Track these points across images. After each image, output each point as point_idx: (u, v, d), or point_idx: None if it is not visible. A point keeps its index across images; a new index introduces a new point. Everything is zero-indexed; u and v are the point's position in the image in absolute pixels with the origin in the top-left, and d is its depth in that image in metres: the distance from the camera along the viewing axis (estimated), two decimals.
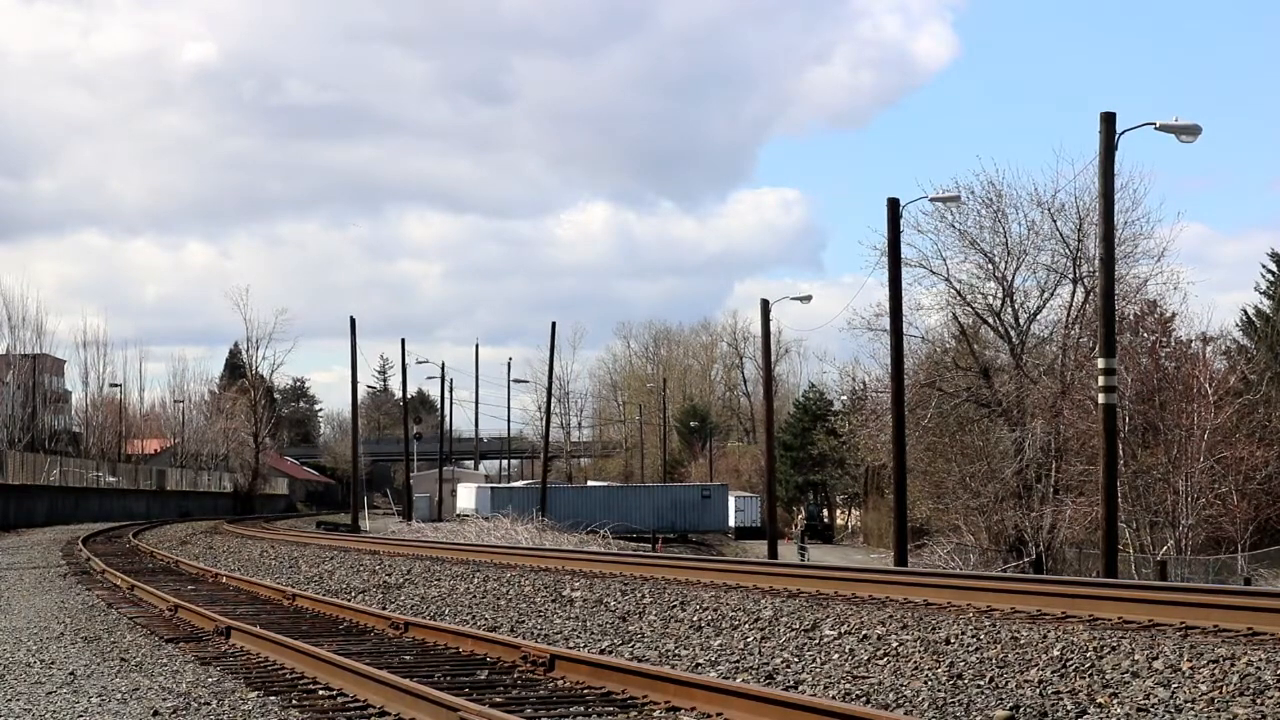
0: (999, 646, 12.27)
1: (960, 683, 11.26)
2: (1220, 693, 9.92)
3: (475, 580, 22.70)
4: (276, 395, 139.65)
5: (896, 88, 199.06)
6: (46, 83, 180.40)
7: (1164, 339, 48.82)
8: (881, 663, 12.41)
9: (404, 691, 10.78)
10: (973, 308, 48.56)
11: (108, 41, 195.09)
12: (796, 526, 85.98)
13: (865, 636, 13.53)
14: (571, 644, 14.88)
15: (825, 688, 11.47)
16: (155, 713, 11.18)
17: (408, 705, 10.57)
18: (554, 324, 74.38)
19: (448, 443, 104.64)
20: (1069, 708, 10.04)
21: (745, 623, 15.23)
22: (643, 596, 18.14)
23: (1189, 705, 9.75)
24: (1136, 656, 11.14)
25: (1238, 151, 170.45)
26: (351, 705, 11.15)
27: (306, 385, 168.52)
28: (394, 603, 21.02)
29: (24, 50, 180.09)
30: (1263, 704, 9.57)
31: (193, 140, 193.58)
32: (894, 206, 36.32)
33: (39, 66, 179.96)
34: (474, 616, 18.50)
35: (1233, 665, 10.48)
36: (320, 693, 11.81)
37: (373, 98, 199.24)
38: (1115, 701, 10.08)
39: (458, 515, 77.89)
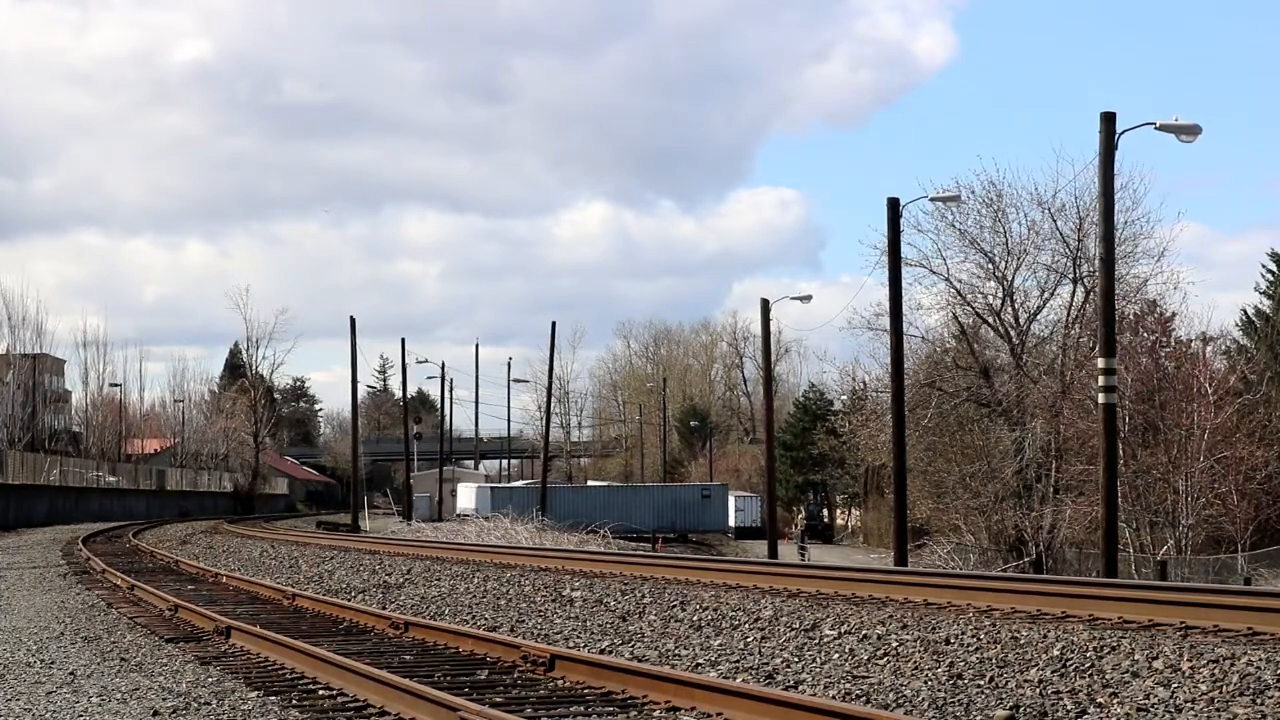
0: (999, 646, 12.27)
1: (960, 683, 11.26)
2: (1220, 693, 9.92)
3: (475, 580, 22.70)
4: (276, 395, 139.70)
5: (896, 87, 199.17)
6: (43, 81, 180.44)
7: (1164, 339, 48.84)
8: (881, 663, 12.42)
9: (404, 691, 10.78)
10: (973, 307, 48.58)
11: (104, 40, 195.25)
12: (796, 526, 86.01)
13: (865, 636, 13.54)
14: (571, 644, 14.88)
15: (825, 688, 11.47)
16: (155, 712, 11.18)
17: (408, 705, 10.57)
18: (554, 324, 74.57)
19: (448, 443, 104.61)
20: (1069, 708, 10.05)
21: (745, 623, 15.23)
22: (643, 596, 18.14)
23: (1189, 705, 9.75)
24: (1136, 656, 11.14)
25: (1237, 151, 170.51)
26: (351, 705, 11.15)
27: (306, 385, 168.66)
28: (394, 602, 21.02)
29: (19, 49, 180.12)
30: (1263, 704, 9.57)
31: (191, 140, 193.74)
32: (894, 206, 36.34)
33: (35, 65, 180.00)
34: (474, 616, 18.50)
35: (1233, 665, 10.48)
36: (320, 693, 11.80)
37: (371, 97, 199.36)
38: (1115, 701, 10.08)
39: (458, 515, 77.86)
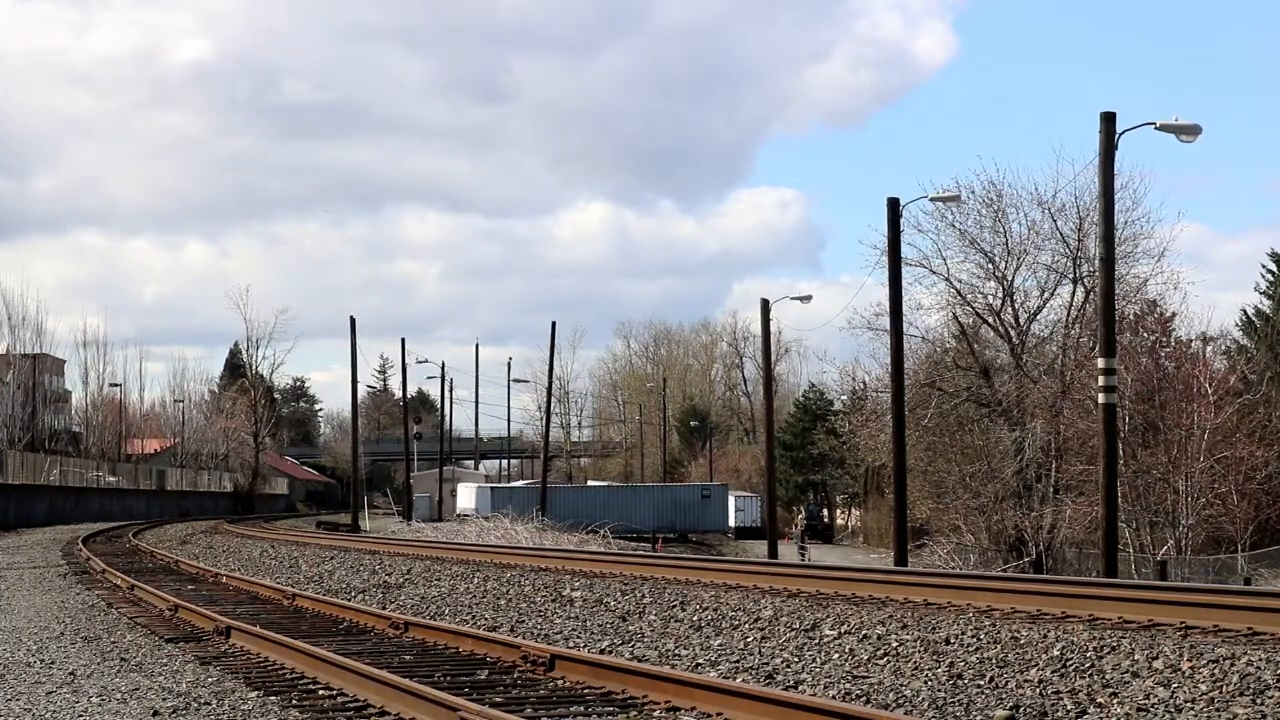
0: (999, 646, 12.27)
1: (960, 683, 11.26)
2: (1220, 693, 9.93)
3: (475, 580, 22.70)
4: (276, 395, 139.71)
5: (896, 87, 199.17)
6: (43, 81, 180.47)
7: (1164, 339, 48.85)
8: (881, 663, 12.42)
9: (404, 691, 10.78)
10: (973, 307, 48.58)
11: (104, 40, 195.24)
12: (796, 526, 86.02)
13: (865, 636, 13.54)
14: (571, 644, 14.88)
15: (825, 687, 11.47)
16: (155, 712, 11.18)
17: (408, 705, 10.57)
18: (554, 324, 74.55)
19: (448, 443, 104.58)
20: (1069, 708, 10.05)
21: (745, 623, 15.23)
22: (643, 596, 18.14)
23: (1189, 705, 9.75)
24: (1136, 656, 11.14)
25: (1237, 151, 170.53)
26: (351, 705, 11.15)
27: (306, 385, 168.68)
28: (394, 602, 21.02)
29: (19, 49, 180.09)
30: (1263, 704, 9.58)
31: (191, 139, 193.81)
32: (894, 206, 36.34)
33: (35, 65, 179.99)
34: (474, 616, 18.50)
35: (1233, 665, 10.48)
36: (320, 693, 11.80)
37: (371, 97, 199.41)
38: (1115, 701, 10.08)
39: (458, 515, 77.87)
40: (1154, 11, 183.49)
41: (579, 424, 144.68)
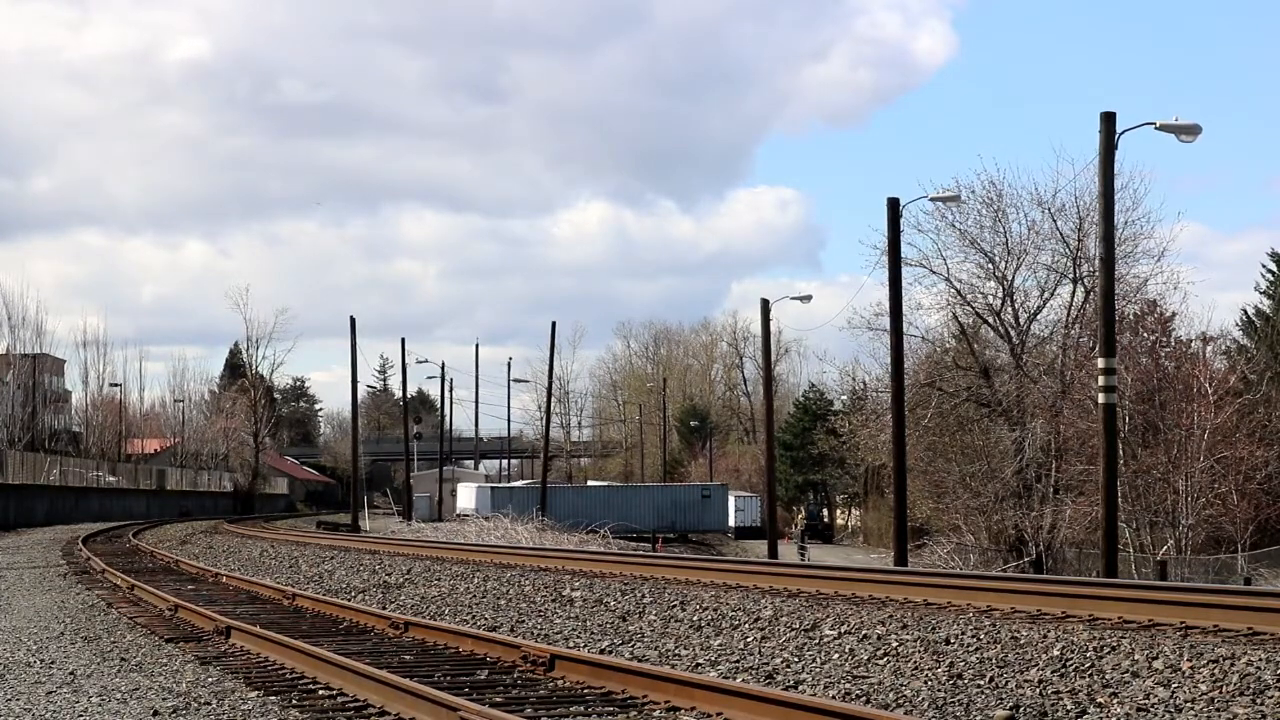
0: (999, 646, 12.27)
1: (960, 683, 11.26)
2: (1220, 693, 9.93)
3: (475, 580, 22.71)
4: (276, 395, 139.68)
5: (895, 86, 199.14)
6: (41, 80, 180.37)
7: (1164, 339, 48.84)
8: (881, 663, 12.42)
9: (404, 691, 10.79)
10: (973, 307, 48.59)
11: (101, 39, 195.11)
12: (796, 526, 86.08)
13: (865, 636, 13.54)
14: (571, 644, 14.88)
15: (825, 687, 11.47)
16: (155, 712, 11.18)
17: (408, 705, 10.57)
18: (554, 324, 74.53)
19: (448, 443, 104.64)
20: (1069, 708, 10.05)
21: (745, 623, 15.23)
22: (643, 596, 18.14)
23: (1189, 705, 9.75)
24: (1136, 656, 11.15)
25: (1237, 151, 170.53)
26: (351, 705, 11.16)
27: (306, 385, 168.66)
28: (394, 602, 21.02)
29: (17, 47, 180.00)
30: (1263, 704, 9.58)
31: (191, 139, 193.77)
32: (894, 206, 36.34)
33: (33, 64, 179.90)
34: (474, 616, 18.50)
35: (1233, 665, 10.48)
36: (320, 692, 11.80)
37: (370, 96, 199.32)
38: (1115, 701, 10.09)
39: (458, 515, 77.89)
40: (1154, 11, 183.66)
41: (579, 424, 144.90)
